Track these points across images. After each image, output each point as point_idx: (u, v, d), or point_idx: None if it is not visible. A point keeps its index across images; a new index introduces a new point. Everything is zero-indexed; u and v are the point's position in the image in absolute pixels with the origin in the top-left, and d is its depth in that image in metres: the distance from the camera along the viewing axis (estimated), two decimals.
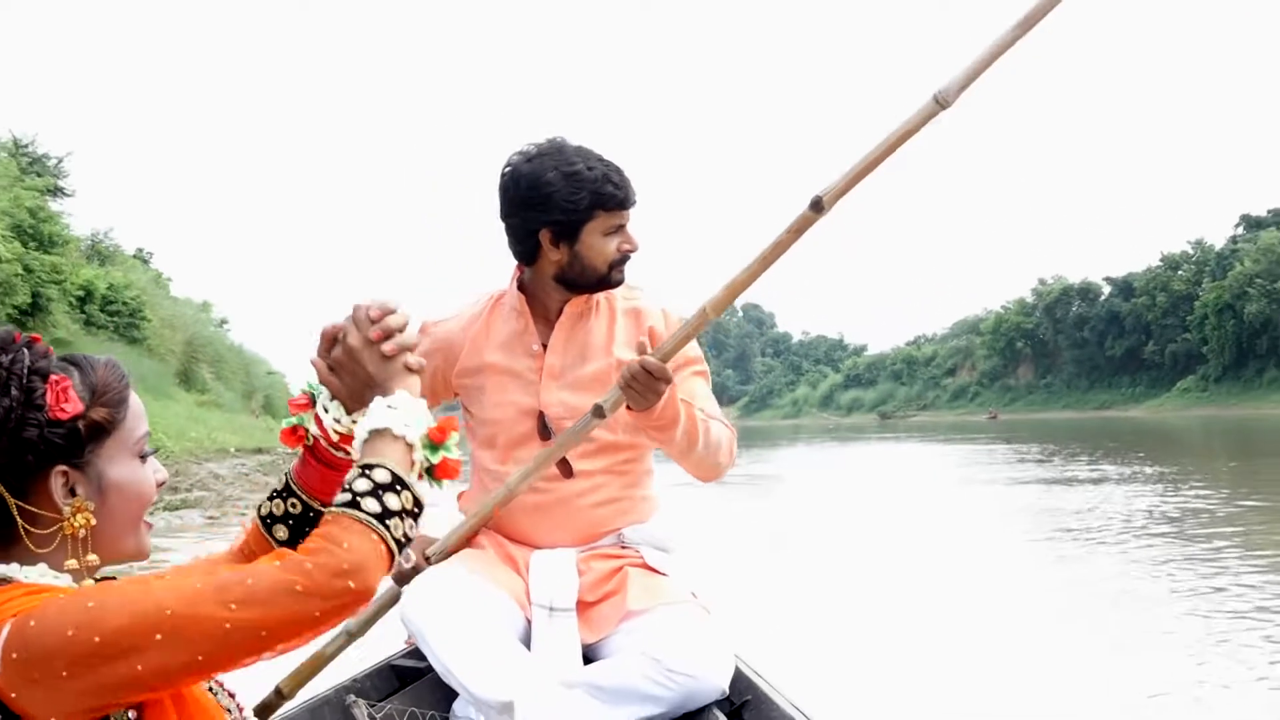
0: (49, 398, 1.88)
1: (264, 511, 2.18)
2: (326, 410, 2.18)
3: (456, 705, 3.61)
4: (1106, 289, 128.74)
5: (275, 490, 2.14)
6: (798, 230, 3.02)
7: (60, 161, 38.73)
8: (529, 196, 3.53)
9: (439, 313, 3.89)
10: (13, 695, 1.73)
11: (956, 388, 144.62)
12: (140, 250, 44.80)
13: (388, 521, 1.86)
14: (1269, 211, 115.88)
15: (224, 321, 57.23)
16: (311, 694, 3.26)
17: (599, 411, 3.08)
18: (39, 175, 35.53)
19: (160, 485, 2.07)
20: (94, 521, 1.93)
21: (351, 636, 2.72)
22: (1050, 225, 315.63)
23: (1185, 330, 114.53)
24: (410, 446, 1.96)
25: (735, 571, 9.76)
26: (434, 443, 2.00)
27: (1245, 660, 7.55)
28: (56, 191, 36.96)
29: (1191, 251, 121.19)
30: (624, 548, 3.71)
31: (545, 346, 3.68)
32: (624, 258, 3.64)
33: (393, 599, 2.92)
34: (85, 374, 1.96)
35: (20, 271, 26.00)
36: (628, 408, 3.23)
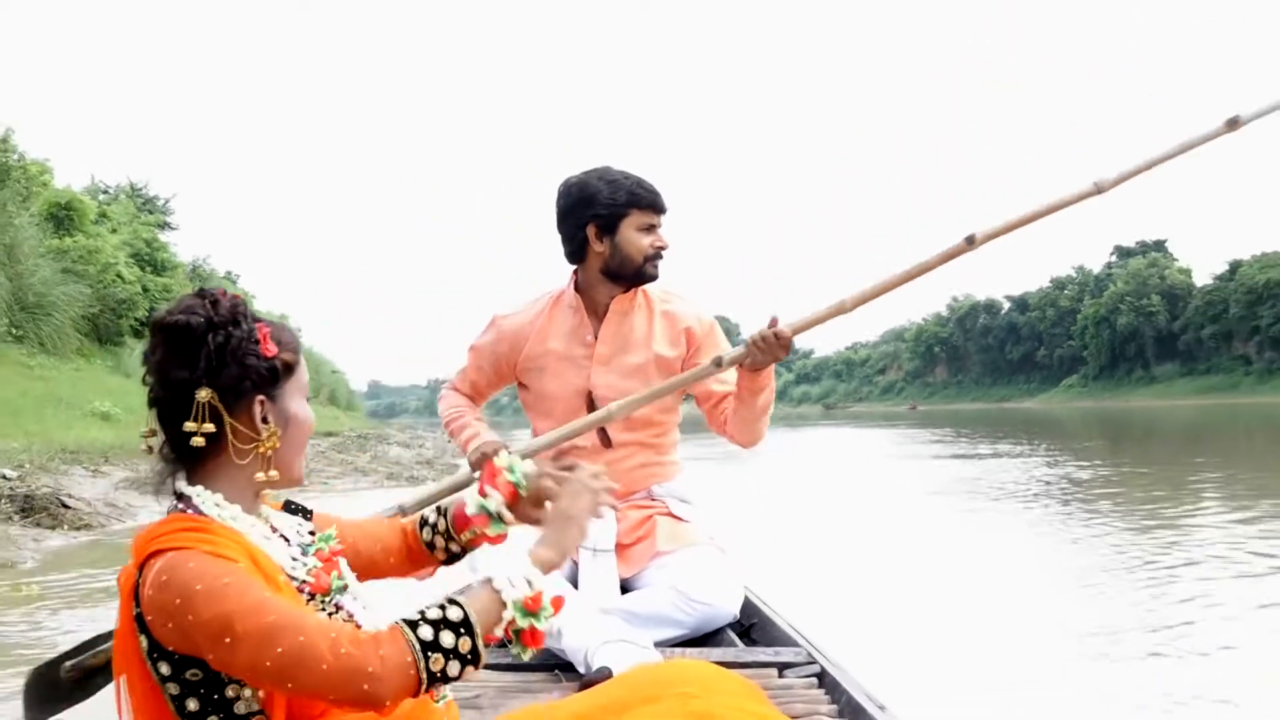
0: (259, 337, 1.91)
1: (422, 518, 2.19)
2: (516, 482, 2.17)
3: None
4: (1006, 304, 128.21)
5: (448, 620, 1.81)
6: (946, 257, 3.22)
7: (167, 201, 38.22)
8: (578, 198, 3.56)
9: (508, 308, 3.82)
10: (149, 618, 1.75)
11: (886, 384, 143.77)
12: (229, 273, 44.45)
13: (430, 654, 1.76)
14: (1136, 243, 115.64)
15: (298, 330, 57.05)
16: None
17: (718, 362, 3.28)
18: (151, 213, 35.25)
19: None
20: (279, 445, 1.94)
21: (404, 511, 2.90)
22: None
23: (1069, 338, 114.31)
24: (504, 604, 1.86)
25: (740, 521, 9.49)
26: (527, 610, 1.88)
27: (1119, 580, 7.72)
28: (164, 225, 36.78)
29: (1075, 275, 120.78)
30: (653, 500, 3.68)
31: (596, 337, 3.63)
32: (656, 253, 3.59)
33: (454, 486, 3.15)
34: (273, 327, 1.97)
35: (140, 291, 25.94)
36: (741, 366, 3.32)
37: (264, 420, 1.89)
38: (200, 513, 1.85)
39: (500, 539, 2.19)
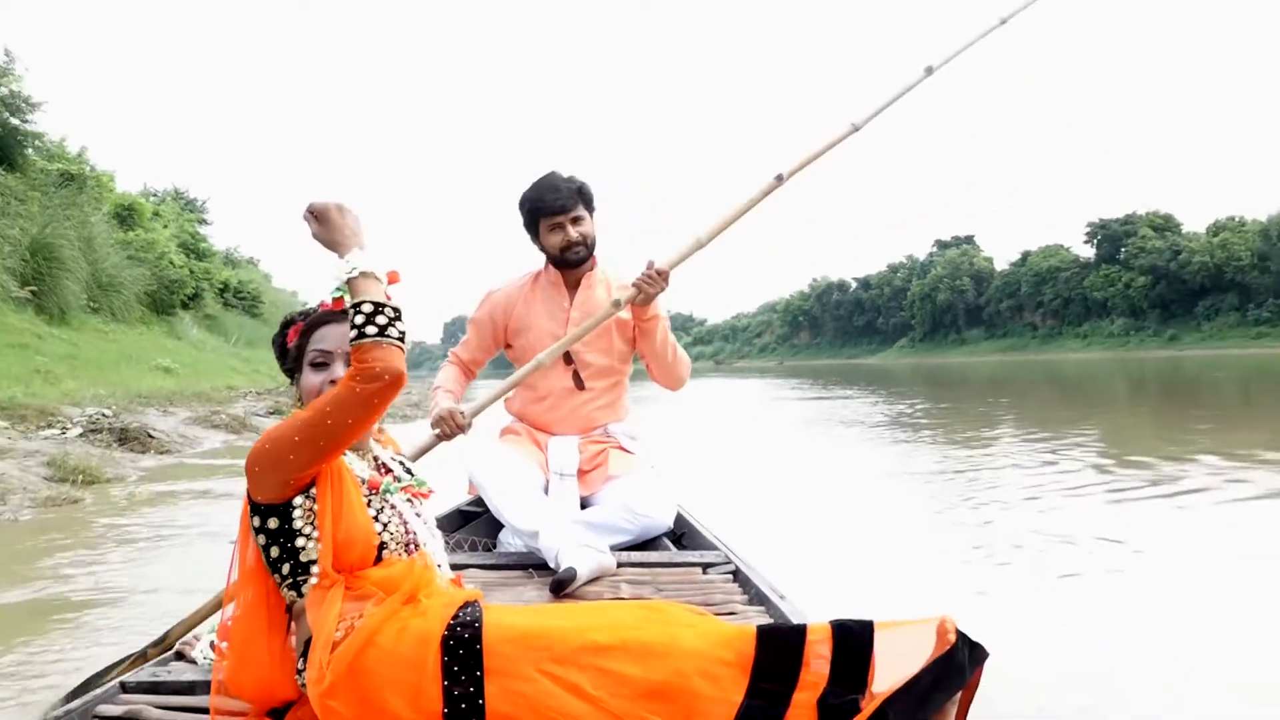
0: (288, 338, 2.10)
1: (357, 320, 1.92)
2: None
3: (502, 535, 3.59)
4: (854, 284, 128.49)
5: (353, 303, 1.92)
6: (766, 193, 3.21)
7: (204, 202, 37.48)
8: (523, 213, 3.58)
9: (497, 284, 3.75)
10: (249, 482, 1.89)
11: (762, 345, 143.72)
12: (251, 258, 43.69)
13: (387, 331, 1.84)
14: (951, 237, 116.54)
15: (305, 304, 56.12)
16: None
17: (616, 304, 3.22)
18: (191, 211, 34.47)
19: (332, 381, 2.02)
20: (300, 394, 2.06)
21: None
22: (819, 240, 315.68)
23: (901, 310, 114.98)
24: (375, 277, 1.92)
25: (673, 451, 9.35)
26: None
27: (946, 480, 7.83)
28: (202, 221, 36.24)
29: (905, 262, 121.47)
30: (608, 436, 3.65)
31: (571, 304, 3.57)
32: (568, 246, 3.50)
33: (430, 444, 3.12)
34: (309, 319, 2.10)
35: (187, 274, 25.77)
36: (633, 304, 3.27)
37: (294, 387, 2.09)
38: None
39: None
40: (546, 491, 3.43)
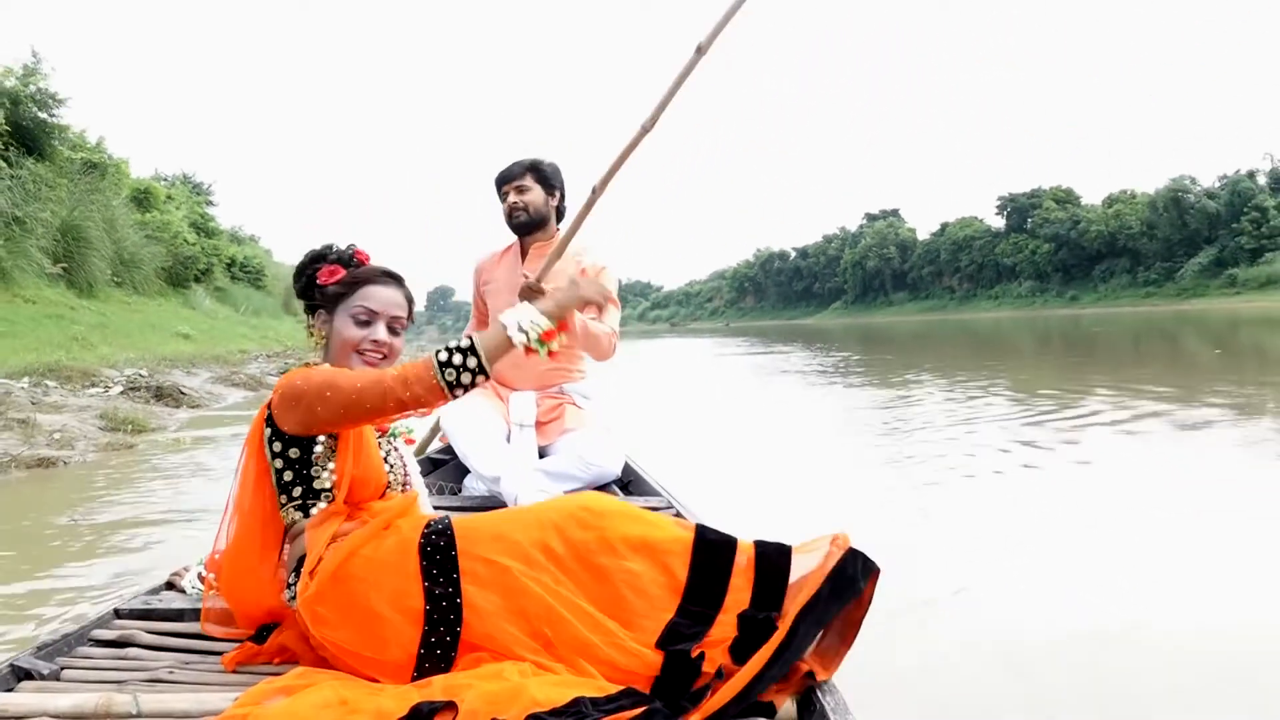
0: (320, 275, 2.03)
1: (441, 358, 1.81)
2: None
3: (467, 479, 3.60)
4: (793, 254, 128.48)
5: (460, 348, 1.83)
6: (685, 73, 2.72)
7: (210, 185, 36.86)
8: None
9: (478, 255, 3.78)
10: (275, 413, 1.86)
11: (712, 309, 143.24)
12: (252, 235, 43.03)
13: (445, 369, 1.79)
14: (879, 210, 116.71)
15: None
16: None
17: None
18: (199, 194, 34.07)
19: (375, 343, 1.99)
20: (324, 343, 2.03)
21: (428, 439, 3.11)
22: (761, 213, 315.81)
23: (835, 276, 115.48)
24: (507, 336, 1.86)
25: (624, 407, 8.79)
26: (542, 340, 1.90)
27: (871, 415, 7.94)
28: (209, 203, 35.82)
29: (839, 233, 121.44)
30: (564, 394, 3.64)
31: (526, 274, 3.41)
32: (510, 210, 3.54)
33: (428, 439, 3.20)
34: (358, 269, 2.05)
35: (199, 251, 25.66)
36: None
37: (320, 324, 2.04)
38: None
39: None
40: (509, 440, 3.43)
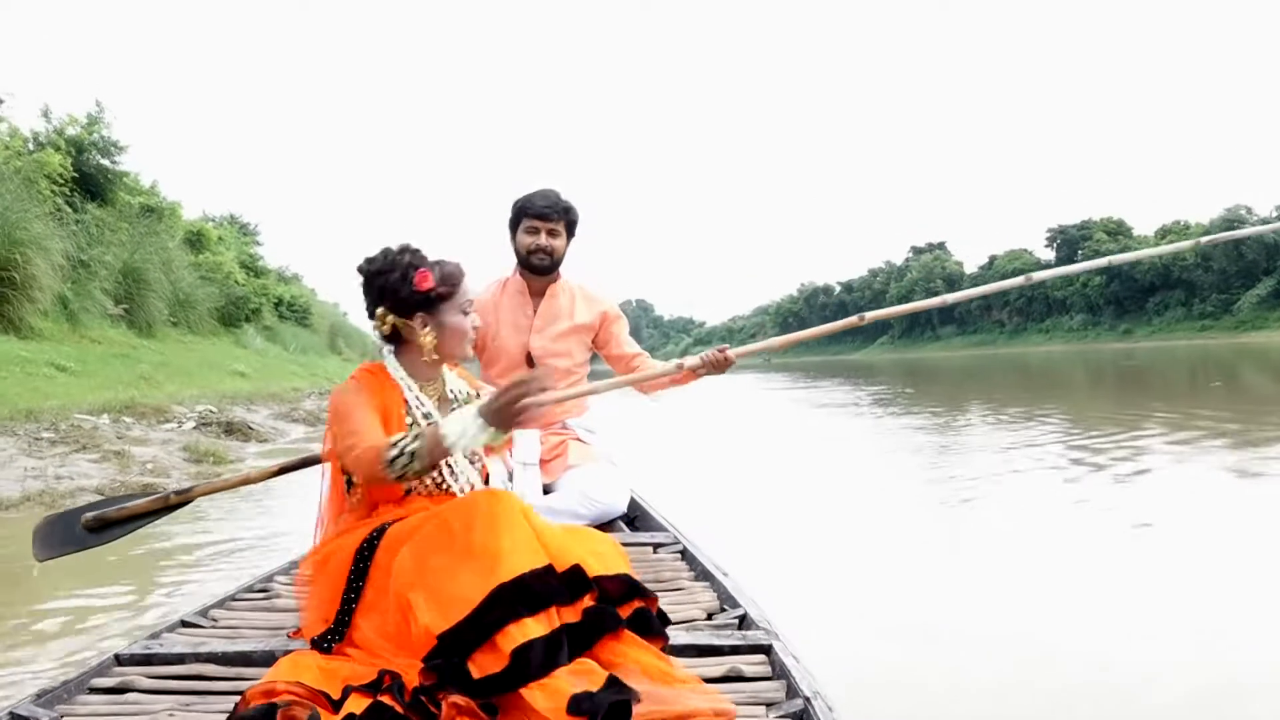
0: (415, 278, 2.14)
1: (390, 454, 1.96)
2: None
3: None
4: (838, 288, 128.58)
5: (403, 448, 1.97)
6: (845, 326, 3.05)
7: (256, 225, 37.34)
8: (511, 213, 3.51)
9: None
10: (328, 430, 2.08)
11: None
12: (295, 274, 43.65)
13: (395, 460, 1.91)
14: (925, 244, 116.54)
15: (345, 313, 56.26)
16: None
17: (679, 366, 2.97)
18: (245, 234, 34.69)
19: (476, 328, 2.24)
20: (437, 341, 2.18)
21: (249, 479, 2.84)
22: (807, 248, 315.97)
23: None
24: (442, 436, 1.91)
25: (630, 442, 7.69)
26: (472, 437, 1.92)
27: (914, 452, 8.07)
28: (256, 243, 36.30)
29: (884, 266, 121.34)
30: (567, 429, 3.58)
31: (535, 312, 3.52)
32: (535, 250, 3.41)
33: (270, 474, 2.91)
34: (441, 267, 2.19)
35: (249, 291, 26.38)
36: (691, 370, 2.96)
37: (424, 326, 2.17)
38: (384, 368, 2.20)
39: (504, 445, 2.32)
40: (511, 480, 3.35)
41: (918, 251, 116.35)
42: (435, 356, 2.19)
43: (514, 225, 3.50)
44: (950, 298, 3.13)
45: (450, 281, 2.17)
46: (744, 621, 2.27)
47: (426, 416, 2.17)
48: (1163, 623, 3.48)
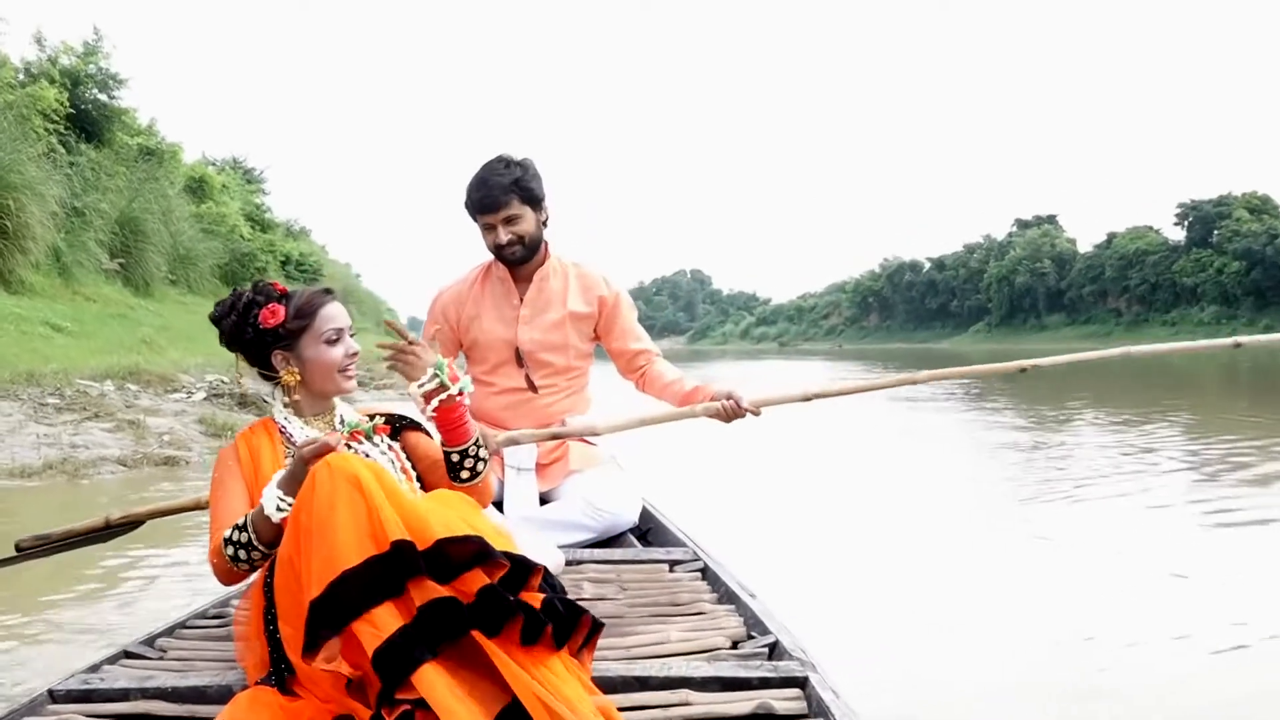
0: (260, 316, 2.22)
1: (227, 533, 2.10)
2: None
3: None
4: (927, 264, 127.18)
5: (239, 525, 2.07)
6: (884, 384, 3.28)
7: (262, 171, 37.70)
8: None
9: (445, 284, 3.60)
10: None
11: (829, 327, 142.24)
12: (304, 228, 43.78)
13: (234, 557, 2.05)
14: (1033, 217, 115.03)
15: (359, 275, 56.86)
16: None
17: (692, 413, 3.17)
18: (250, 182, 35.06)
19: (351, 356, 2.28)
20: (300, 377, 2.26)
21: (200, 504, 2.83)
22: (891, 219, 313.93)
23: (977, 293, 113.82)
24: (266, 514, 2.00)
25: (642, 441, 8.29)
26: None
27: (1011, 454, 8.07)
28: (263, 192, 36.12)
29: (983, 241, 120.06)
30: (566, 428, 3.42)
31: (521, 300, 3.45)
32: (501, 246, 3.33)
33: (137, 522, 2.98)
34: (293, 300, 2.26)
35: (256, 247, 26.81)
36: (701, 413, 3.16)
37: (285, 364, 2.25)
38: (272, 416, 2.30)
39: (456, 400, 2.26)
40: (502, 491, 3.36)
41: (1023, 225, 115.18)
42: (298, 396, 2.28)
43: (479, 227, 3.42)
44: (1145, 349, 3.67)
45: (304, 314, 2.24)
46: (775, 650, 2.22)
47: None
48: None
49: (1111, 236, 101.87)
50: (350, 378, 2.28)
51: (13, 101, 15.43)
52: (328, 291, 2.31)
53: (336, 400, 2.35)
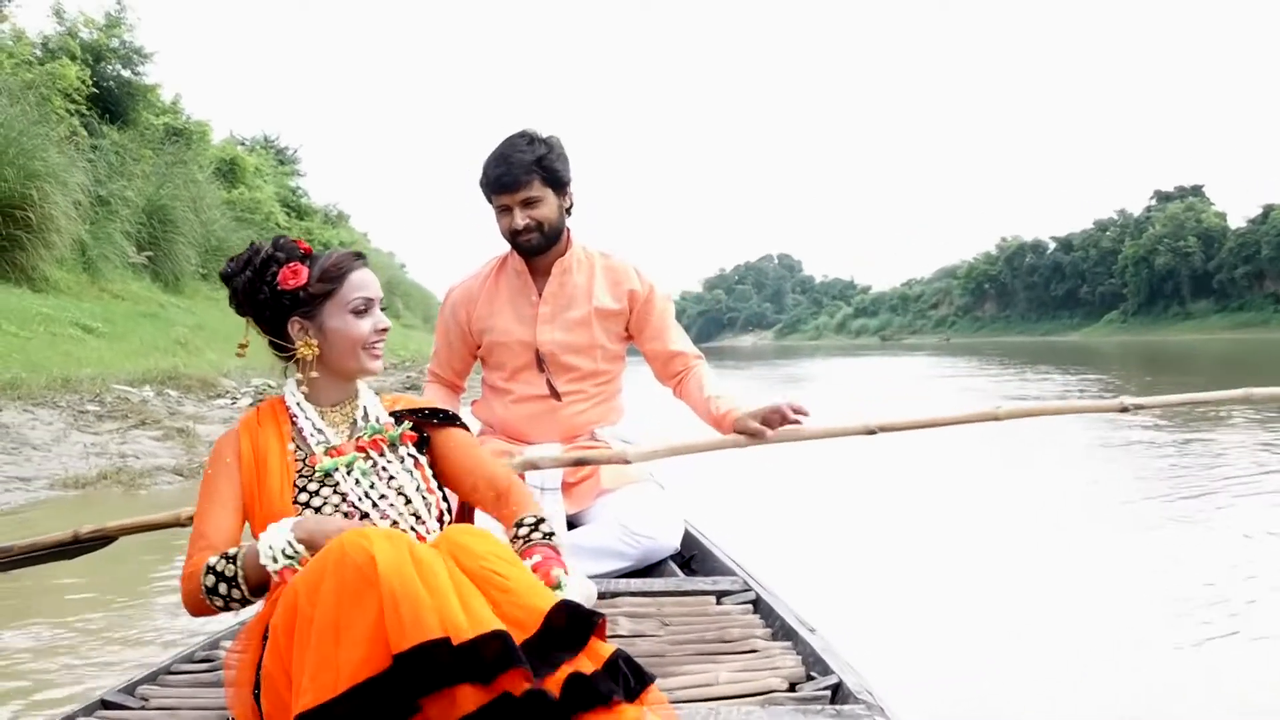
0: (280, 275, 2.16)
1: (211, 560, 2.06)
2: None
3: None
4: (1052, 245, 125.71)
5: (228, 556, 2.05)
6: (965, 420, 3.29)
7: (296, 150, 38.48)
8: None
9: (458, 278, 3.61)
10: None
11: (938, 318, 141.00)
12: (341, 213, 44.23)
13: (211, 592, 2.00)
14: (1175, 188, 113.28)
15: (403, 265, 57.42)
16: None
17: (737, 443, 3.23)
18: (282, 164, 35.66)
19: (380, 331, 2.23)
20: (318, 352, 2.19)
21: (179, 521, 2.87)
22: (1009, 194, 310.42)
23: (1111, 277, 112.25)
24: (260, 562, 1.94)
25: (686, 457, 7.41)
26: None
27: (1140, 451, 7.92)
28: (298, 174, 36.83)
29: (1116, 218, 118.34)
30: (596, 442, 3.47)
31: (540, 296, 3.42)
32: (516, 232, 3.30)
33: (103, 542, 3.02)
34: (318, 262, 2.20)
35: (295, 236, 27.38)
36: (744, 425, 3.20)
37: (302, 333, 2.19)
38: (282, 400, 2.26)
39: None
40: None
41: (1163, 198, 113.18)
42: (315, 375, 2.20)
43: (493, 208, 3.41)
44: None
45: (330, 277, 2.18)
46: (839, 693, 2.17)
47: (326, 471, 2.18)
48: None
49: (1268, 210, 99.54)
50: (376, 356, 2.23)
51: (32, 80, 15.87)
52: (359, 255, 2.27)
53: (360, 388, 2.30)
